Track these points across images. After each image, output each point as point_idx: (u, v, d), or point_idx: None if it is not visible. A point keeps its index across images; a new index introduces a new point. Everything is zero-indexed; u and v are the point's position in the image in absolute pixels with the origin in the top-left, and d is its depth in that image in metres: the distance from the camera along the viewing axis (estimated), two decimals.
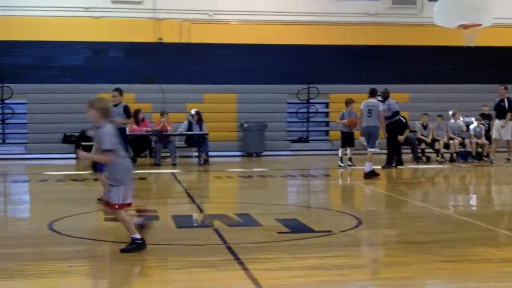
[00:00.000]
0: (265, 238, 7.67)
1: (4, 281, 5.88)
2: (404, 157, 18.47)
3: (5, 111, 23.03)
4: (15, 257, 6.85)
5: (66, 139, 22.47)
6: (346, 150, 18.25)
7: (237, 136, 23.66)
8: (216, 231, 8.11)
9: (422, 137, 20.26)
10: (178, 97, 23.64)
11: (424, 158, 20.10)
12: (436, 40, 25.03)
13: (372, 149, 14.89)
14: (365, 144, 15.44)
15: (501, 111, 19.24)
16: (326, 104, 25.46)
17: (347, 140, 18.43)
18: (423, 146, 20.36)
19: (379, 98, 16.79)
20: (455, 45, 22.68)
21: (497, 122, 19.36)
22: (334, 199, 12.74)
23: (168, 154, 19.80)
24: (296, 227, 8.46)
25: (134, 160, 19.18)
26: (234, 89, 24.19)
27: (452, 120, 20.42)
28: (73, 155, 21.29)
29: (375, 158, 15.24)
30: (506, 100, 19.08)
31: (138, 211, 10.25)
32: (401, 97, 24.93)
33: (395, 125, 17.79)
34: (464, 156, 19.66)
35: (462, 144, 19.88)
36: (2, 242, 7.77)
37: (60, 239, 7.82)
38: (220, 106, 23.63)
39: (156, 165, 18.71)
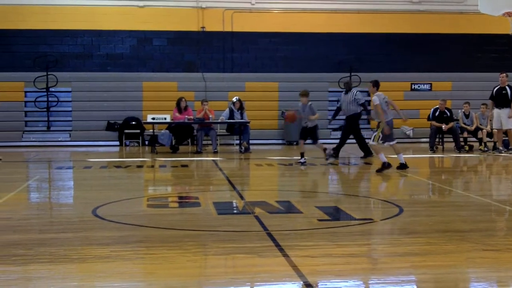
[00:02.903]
0: (306, 225, 7.71)
1: (50, 264, 6.01)
2: (446, 145, 18.29)
3: (50, 99, 23.41)
4: (60, 241, 6.98)
5: (110, 127, 22.76)
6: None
7: (278, 125, 23.70)
8: (257, 218, 8.16)
9: (465, 126, 20.05)
10: (220, 86, 23.76)
11: (466, 147, 19.89)
12: (480, 28, 24.72)
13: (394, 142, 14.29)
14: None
15: (502, 100, 18.51)
16: (368, 93, 25.32)
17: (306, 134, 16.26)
18: (465, 135, 20.16)
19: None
20: (500, 33, 22.36)
21: (498, 111, 18.58)
22: (374, 187, 12.69)
23: (210, 142, 19.93)
24: (336, 215, 8.48)
25: (176, 147, 19.37)
26: (275, 78, 24.23)
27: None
28: (117, 142, 21.58)
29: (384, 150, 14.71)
30: (508, 88, 18.43)
31: (181, 197, 10.39)
32: (444, 85, 24.74)
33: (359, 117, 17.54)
34: (506, 144, 19.38)
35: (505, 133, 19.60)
36: (47, 227, 7.94)
37: (103, 225, 7.96)
38: (261, 94, 23.69)
39: (198, 152, 18.86)
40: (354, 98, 16.85)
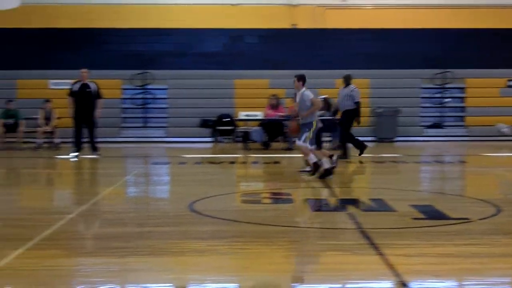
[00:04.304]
0: (400, 223, 7.64)
1: (149, 257, 6.19)
2: None
3: (147, 96, 24.01)
4: (158, 235, 7.19)
5: (204, 124, 23.15)
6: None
7: (370, 122, 23.50)
8: (350, 215, 8.16)
9: None
10: (311, 83, 23.70)
11: None
12: None
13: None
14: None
15: None
16: (462, 89, 24.79)
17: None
18: None
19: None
20: None
21: None
22: (470, 186, 12.44)
23: None
24: (431, 214, 8.36)
25: (268, 144, 19.52)
26: (367, 74, 24.01)
27: None
28: (210, 139, 21.95)
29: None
30: None
31: (274, 194, 10.49)
32: None
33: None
34: None
35: None
36: (145, 220, 8.17)
37: (199, 219, 8.13)
38: None
39: (289, 149, 18.94)
40: (350, 94, 16.26)
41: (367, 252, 6.24)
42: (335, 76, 23.95)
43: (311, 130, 12.04)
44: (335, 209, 9.03)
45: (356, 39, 24.49)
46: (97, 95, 16.55)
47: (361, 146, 16.08)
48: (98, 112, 16.68)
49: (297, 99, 12.51)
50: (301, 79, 12.38)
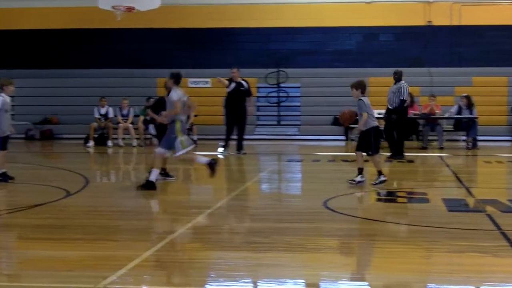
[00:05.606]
0: None
1: (287, 253, 6.35)
2: None
3: (281, 94, 24.33)
4: (294, 231, 7.33)
5: (337, 122, 23.16)
6: None
7: (507, 121, 22.71)
8: (489, 216, 7.98)
9: None
10: (447, 81, 23.25)
11: None
12: None
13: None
14: None
15: None
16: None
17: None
18: None
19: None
20: None
21: None
22: None
23: (435, 138, 19.63)
24: None
25: (402, 143, 19.27)
26: (504, 72, 23.18)
27: None
28: (343, 137, 21.96)
29: None
30: None
31: (408, 193, 10.41)
32: None
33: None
34: None
35: None
36: (280, 217, 8.34)
37: (334, 217, 8.22)
38: (489, 89, 22.80)
39: (423, 148, 18.65)
40: (399, 91, 15.56)
41: (508, 254, 6.12)
42: (472, 74, 23.35)
43: (177, 132, 10.34)
44: (473, 209, 8.86)
45: (493, 36, 23.69)
46: (249, 92, 16.93)
47: (396, 150, 15.54)
48: (251, 109, 17.14)
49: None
50: (173, 77, 10.69)
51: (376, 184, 10.48)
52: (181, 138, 10.33)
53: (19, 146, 19.32)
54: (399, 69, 16.09)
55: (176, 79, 10.62)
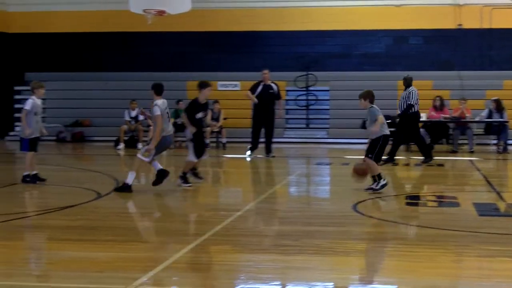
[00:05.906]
0: None
1: (316, 256, 6.36)
2: None
3: (310, 97, 24.31)
4: (323, 234, 7.34)
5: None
6: None
7: None
8: None
9: None
10: (477, 84, 23.06)
11: None
12: None
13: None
14: None
15: None
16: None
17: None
18: None
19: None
20: None
21: None
22: None
23: (465, 141, 19.47)
24: None
25: (431, 146, 19.16)
26: None
27: None
28: None
29: None
30: None
31: (439, 197, 10.36)
32: None
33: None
34: None
35: None
36: (309, 220, 8.35)
37: (363, 220, 8.22)
38: None
39: (453, 152, 18.52)
40: (407, 97, 15.36)
41: None
42: (503, 77, 23.13)
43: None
44: (504, 214, 8.79)
45: None
46: (278, 95, 16.95)
47: (391, 157, 15.21)
48: (280, 112, 17.15)
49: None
50: (153, 88, 10.59)
51: (377, 189, 10.20)
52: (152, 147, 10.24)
53: (50, 148, 19.57)
54: (409, 75, 16.03)
55: (156, 90, 10.54)
